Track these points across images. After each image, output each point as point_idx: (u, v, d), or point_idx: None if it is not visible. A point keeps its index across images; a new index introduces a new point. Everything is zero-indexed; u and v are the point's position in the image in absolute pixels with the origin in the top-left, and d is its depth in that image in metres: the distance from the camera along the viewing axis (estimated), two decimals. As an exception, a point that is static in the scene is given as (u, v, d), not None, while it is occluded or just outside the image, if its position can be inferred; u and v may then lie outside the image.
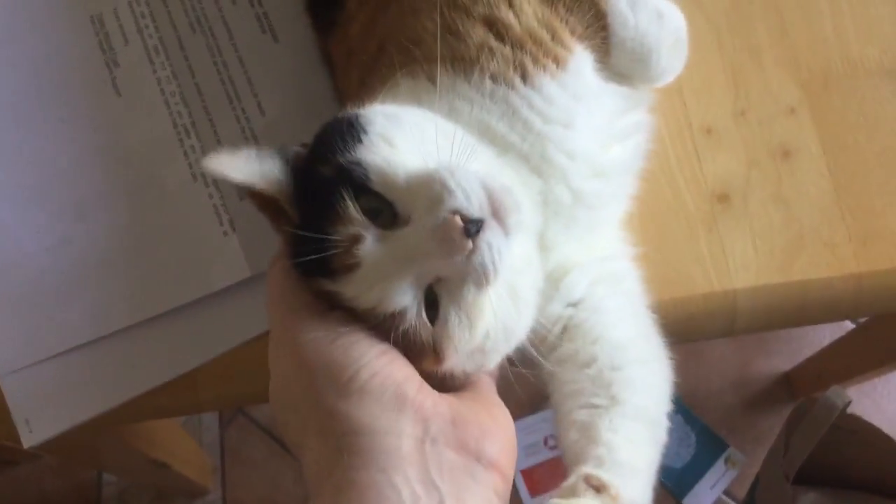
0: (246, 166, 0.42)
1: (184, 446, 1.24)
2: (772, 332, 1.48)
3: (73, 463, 1.31)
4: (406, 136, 0.42)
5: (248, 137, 0.60)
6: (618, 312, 0.51)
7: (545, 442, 1.43)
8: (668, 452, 1.59)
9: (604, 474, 0.42)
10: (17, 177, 0.59)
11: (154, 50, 0.61)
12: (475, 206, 0.38)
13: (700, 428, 1.45)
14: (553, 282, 0.49)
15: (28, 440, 0.55)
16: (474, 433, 0.39)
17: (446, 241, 0.38)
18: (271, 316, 0.43)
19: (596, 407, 0.46)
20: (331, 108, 0.60)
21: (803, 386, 1.44)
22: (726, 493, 1.41)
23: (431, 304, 0.41)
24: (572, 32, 0.49)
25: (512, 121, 0.46)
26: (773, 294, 0.60)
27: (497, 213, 0.39)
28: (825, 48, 0.66)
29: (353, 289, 0.40)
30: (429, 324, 0.41)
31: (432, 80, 0.45)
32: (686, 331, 0.60)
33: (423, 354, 0.41)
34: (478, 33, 0.46)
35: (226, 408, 1.37)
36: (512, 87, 0.46)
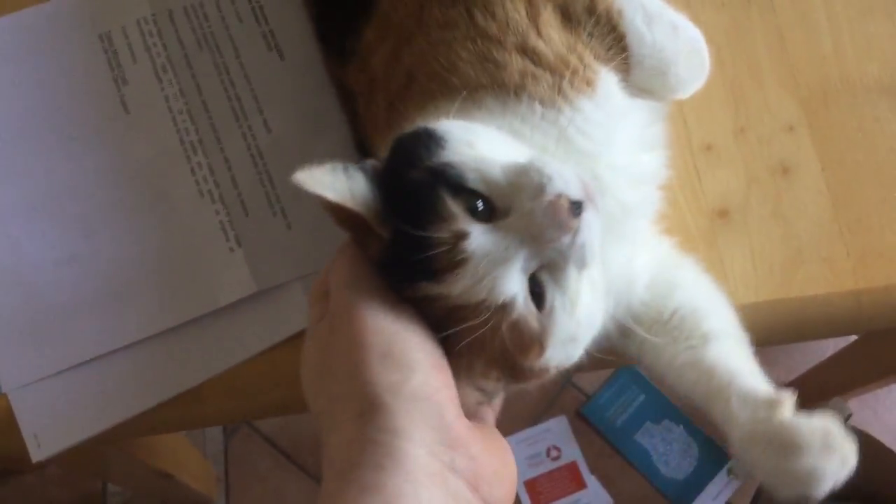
0: (337, 184, 0.43)
1: (188, 457, 1.25)
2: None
3: (77, 473, 1.32)
4: (484, 143, 0.44)
5: (254, 154, 0.61)
6: (675, 269, 0.56)
7: (548, 453, 1.43)
8: (670, 464, 1.59)
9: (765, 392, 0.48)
10: (27, 193, 0.59)
11: (162, 68, 0.62)
12: (575, 189, 0.41)
13: (702, 439, 1.45)
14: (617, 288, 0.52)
15: (36, 455, 0.55)
16: (488, 477, 0.40)
17: (557, 222, 0.40)
18: (334, 298, 0.43)
19: (694, 347, 0.52)
20: (336, 127, 0.61)
21: (805, 397, 1.42)
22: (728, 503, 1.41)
23: (532, 294, 0.42)
24: (596, 56, 0.51)
25: (562, 141, 0.48)
26: (773, 310, 0.60)
27: (591, 197, 0.42)
28: (824, 66, 0.66)
29: (461, 285, 0.41)
30: (536, 310, 0.42)
31: (478, 104, 0.48)
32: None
33: (527, 346, 0.42)
34: (517, 61, 0.48)
35: (231, 422, 1.38)
36: (560, 109, 0.48)
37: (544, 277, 0.43)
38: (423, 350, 0.41)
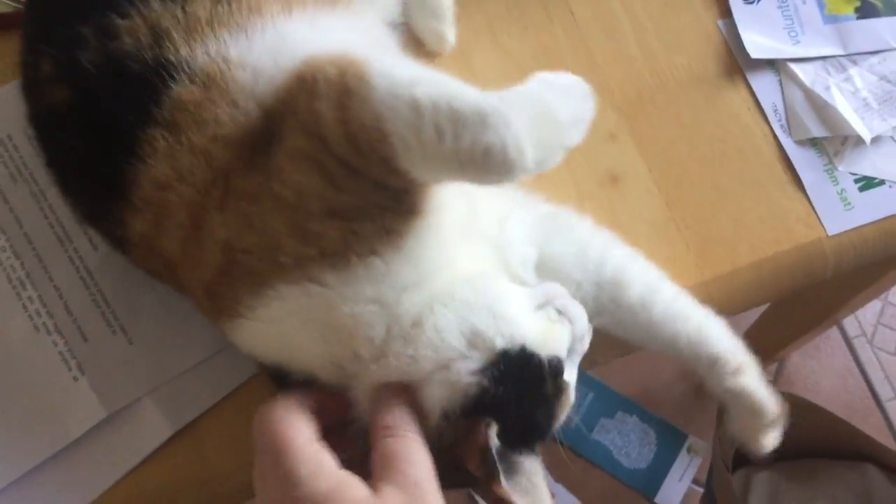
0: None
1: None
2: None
3: None
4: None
5: (84, 276, 0.60)
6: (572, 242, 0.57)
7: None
8: (631, 455, 1.59)
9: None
10: None
11: (-23, 209, 0.61)
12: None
13: (657, 423, 1.46)
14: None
15: None
16: None
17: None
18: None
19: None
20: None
21: (747, 361, 1.46)
22: (695, 482, 1.41)
23: None
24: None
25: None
26: (626, 319, 0.61)
27: None
28: (634, 68, 0.67)
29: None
30: None
31: (316, 281, 0.45)
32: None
33: None
34: (333, 225, 0.45)
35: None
36: (396, 249, 0.46)
37: None
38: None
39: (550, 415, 0.49)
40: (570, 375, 0.50)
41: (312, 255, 0.45)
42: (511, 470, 0.47)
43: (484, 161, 0.41)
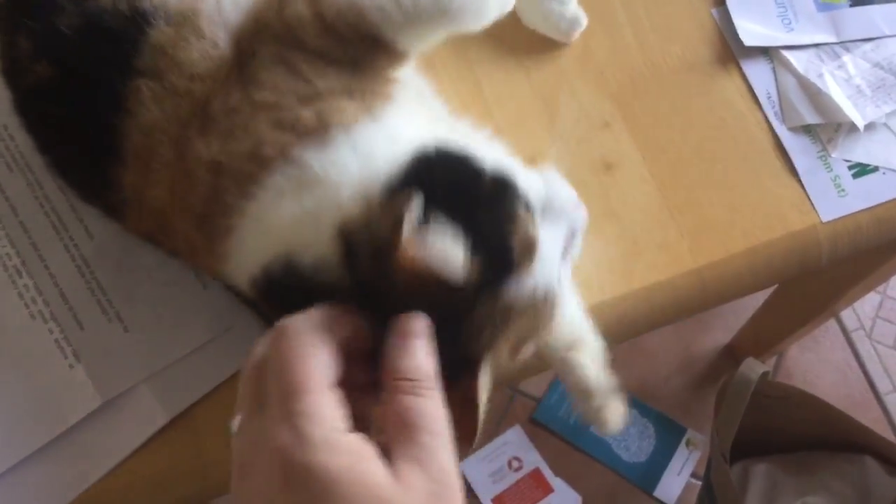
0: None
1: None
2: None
3: None
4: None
5: (80, 264, 0.60)
6: None
7: (509, 465, 1.43)
8: (630, 448, 1.60)
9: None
10: None
11: (-27, 197, 0.62)
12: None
13: (656, 417, 1.46)
14: None
15: None
16: None
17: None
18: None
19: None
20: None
21: (745, 355, 1.46)
22: (693, 475, 1.42)
23: None
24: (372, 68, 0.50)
25: None
26: (620, 305, 0.61)
27: None
28: (628, 56, 0.67)
29: None
30: None
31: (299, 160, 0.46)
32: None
33: None
34: (311, 108, 0.47)
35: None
36: (372, 119, 0.48)
37: None
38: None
39: (497, 223, 0.44)
40: (550, 240, 0.47)
41: (292, 141, 0.46)
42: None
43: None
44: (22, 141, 0.63)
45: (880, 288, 1.56)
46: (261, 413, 0.38)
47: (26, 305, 0.59)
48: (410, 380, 0.38)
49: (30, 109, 0.56)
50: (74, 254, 0.60)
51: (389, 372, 0.39)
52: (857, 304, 1.54)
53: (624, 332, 0.62)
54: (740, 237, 0.62)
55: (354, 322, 0.41)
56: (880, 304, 1.56)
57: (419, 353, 0.39)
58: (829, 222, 0.62)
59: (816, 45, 0.68)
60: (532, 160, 0.65)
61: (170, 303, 0.59)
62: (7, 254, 0.60)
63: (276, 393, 0.37)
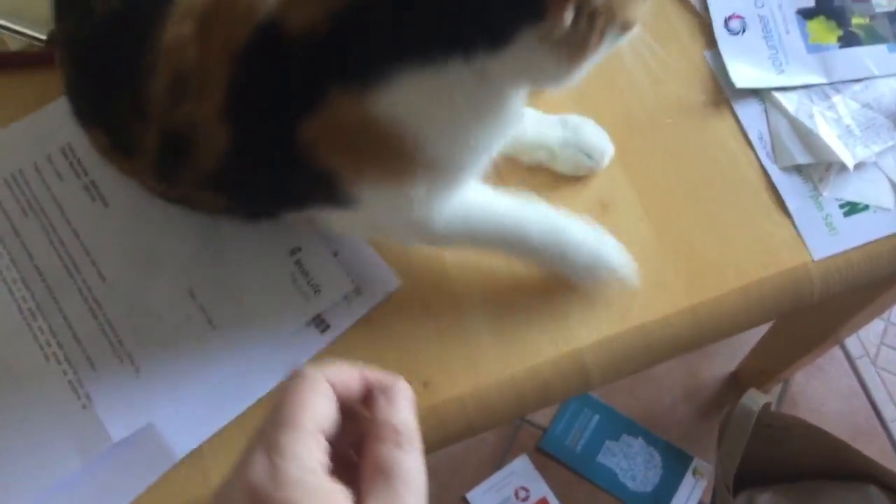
0: None
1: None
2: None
3: None
4: None
5: (93, 306, 0.62)
6: None
7: (516, 495, 1.44)
8: (637, 478, 1.60)
9: None
10: None
11: (-9, 242, 0.64)
12: None
13: (662, 446, 1.47)
14: None
15: None
16: None
17: None
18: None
19: None
20: (166, 263, 0.62)
21: (749, 382, 1.47)
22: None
23: None
24: None
25: None
26: (617, 343, 0.62)
27: None
28: (622, 98, 0.69)
29: None
30: None
31: None
32: (545, 396, 0.62)
33: None
34: None
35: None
36: None
37: None
38: None
39: None
40: None
41: None
42: None
43: None
44: (37, 186, 0.66)
45: (885, 314, 1.57)
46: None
47: (41, 347, 0.61)
48: (395, 432, 0.40)
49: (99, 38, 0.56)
50: (87, 295, 0.62)
51: (375, 423, 0.40)
52: (861, 331, 1.55)
53: (621, 371, 0.64)
54: (734, 275, 0.63)
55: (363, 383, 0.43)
56: (885, 331, 1.57)
57: (405, 409, 0.41)
58: (820, 260, 0.64)
59: (807, 87, 0.70)
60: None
61: (180, 344, 0.60)
62: (23, 297, 0.62)
63: (267, 424, 0.39)
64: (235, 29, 0.49)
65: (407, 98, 0.46)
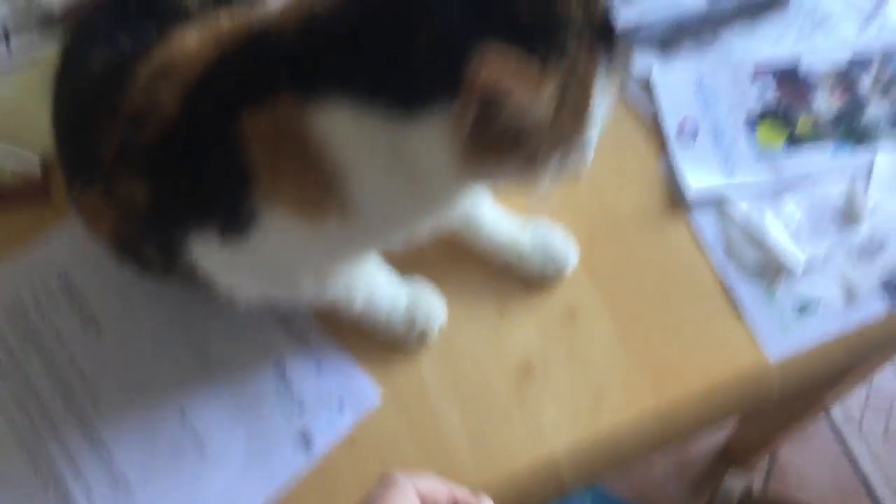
0: None
1: None
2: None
3: None
4: None
5: (95, 439, 0.65)
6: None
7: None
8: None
9: None
10: None
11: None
12: None
13: (658, 525, 1.47)
14: None
15: None
16: None
17: None
18: None
19: None
20: (161, 385, 0.65)
21: (740, 454, 1.48)
22: (695, 579, 1.42)
23: None
24: None
25: None
26: (589, 445, 0.65)
27: None
28: (583, 205, 0.73)
29: None
30: None
31: None
32: (523, 500, 0.65)
33: None
34: None
35: None
36: None
37: None
38: None
39: None
40: None
41: None
42: None
43: None
44: (34, 313, 0.69)
45: (866, 381, 1.59)
46: None
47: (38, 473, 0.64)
48: None
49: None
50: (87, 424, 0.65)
51: None
52: (845, 398, 1.57)
53: (592, 471, 0.66)
54: (696, 375, 0.67)
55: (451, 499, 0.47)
56: (867, 397, 1.59)
57: None
58: (777, 361, 0.67)
59: (757, 188, 0.74)
60: (501, 315, 0.70)
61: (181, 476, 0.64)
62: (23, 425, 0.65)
63: None
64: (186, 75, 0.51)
65: (341, 126, 0.47)
